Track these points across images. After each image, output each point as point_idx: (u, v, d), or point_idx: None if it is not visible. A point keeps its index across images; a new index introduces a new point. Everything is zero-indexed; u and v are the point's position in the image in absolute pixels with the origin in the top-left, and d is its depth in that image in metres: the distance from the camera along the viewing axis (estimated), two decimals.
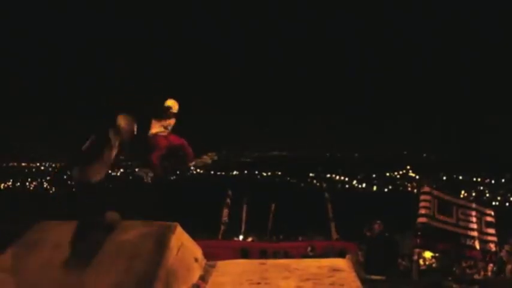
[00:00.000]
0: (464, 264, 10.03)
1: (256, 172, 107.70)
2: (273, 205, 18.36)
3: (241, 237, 17.40)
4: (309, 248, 10.88)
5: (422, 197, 8.18)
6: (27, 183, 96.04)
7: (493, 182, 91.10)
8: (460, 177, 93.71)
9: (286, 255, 10.46)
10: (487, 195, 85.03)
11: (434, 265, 12.44)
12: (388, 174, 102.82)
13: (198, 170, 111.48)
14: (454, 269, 10.18)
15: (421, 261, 10.68)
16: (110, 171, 4.17)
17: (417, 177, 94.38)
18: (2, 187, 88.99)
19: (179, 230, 4.45)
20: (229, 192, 16.56)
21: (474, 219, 8.63)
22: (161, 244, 4.10)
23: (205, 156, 5.50)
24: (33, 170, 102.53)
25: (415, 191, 70.21)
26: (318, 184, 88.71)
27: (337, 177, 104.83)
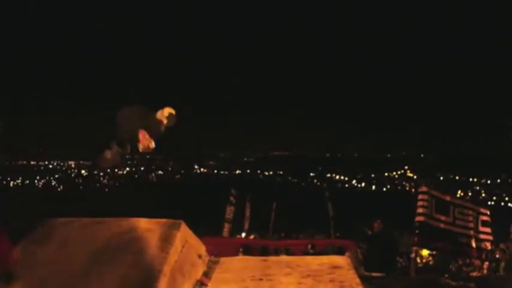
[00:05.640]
0: (460, 262, 10.14)
1: (259, 171, 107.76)
2: (275, 204, 18.52)
3: (243, 235, 17.52)
4: (310, 246, 10.94)
5: (420, 197, 8.30)
6: (36, 181, 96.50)
7: (488, 182, 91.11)
8: (457, 178, 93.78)
9: (287, 253, 10.56)
10: (483, 195, 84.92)
11: (431, 263, 12.55)
12: (386, 174, 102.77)
13: (202, 170, 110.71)
14: (451, 266, 10.30)
15: (418, 259, 10.79)
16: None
17: (415, 177, 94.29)
18: (11, 185, 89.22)
19: (184, 227, 4.53)
20: (233, 191, 16.72)
21: (470, 219, 8.75)
22: (167, 241, 4.18)
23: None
24: (42, 168, 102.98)
25: (413, 190, 70.15)
26: (318, 183, 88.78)
27: (337, 177, 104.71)
